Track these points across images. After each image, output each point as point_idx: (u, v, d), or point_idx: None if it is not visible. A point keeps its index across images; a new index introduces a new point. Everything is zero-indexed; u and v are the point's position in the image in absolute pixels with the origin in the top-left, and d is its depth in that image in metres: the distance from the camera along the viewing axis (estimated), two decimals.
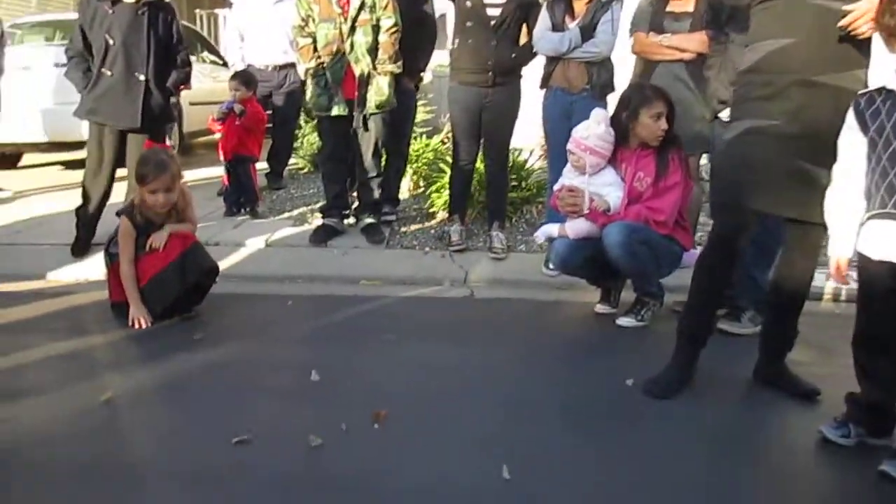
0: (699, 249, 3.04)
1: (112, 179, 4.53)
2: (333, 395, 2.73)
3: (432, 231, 4.99)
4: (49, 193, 6.33)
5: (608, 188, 3.47)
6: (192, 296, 3.59)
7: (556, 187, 3.68)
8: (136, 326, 3.40)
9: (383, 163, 4.91)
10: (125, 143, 4.45)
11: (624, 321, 3.56)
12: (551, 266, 3.84)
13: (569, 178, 3.59)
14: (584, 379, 2.94)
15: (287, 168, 6.63)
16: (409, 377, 2.92)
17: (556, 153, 4.26)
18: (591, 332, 3.55)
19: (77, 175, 7.03)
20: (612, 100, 4.13)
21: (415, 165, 5.83)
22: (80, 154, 6.38)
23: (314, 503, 2.06)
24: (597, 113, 3.56)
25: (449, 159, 5.32)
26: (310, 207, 5.55)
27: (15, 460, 2.27)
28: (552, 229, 3.59)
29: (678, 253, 3.52)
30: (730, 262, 2.80)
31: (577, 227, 3.49)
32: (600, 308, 3.76)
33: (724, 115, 3.29)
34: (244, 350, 3.17)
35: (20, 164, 7.69)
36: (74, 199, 5.98)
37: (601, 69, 4.15)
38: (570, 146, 3.55)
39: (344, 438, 2.40)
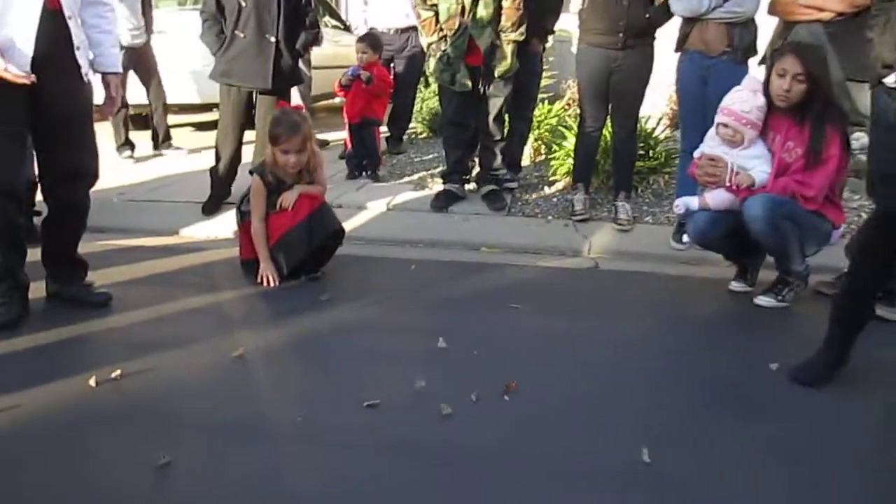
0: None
1: (242, 140, 4.60)
2: (461, 364, 2.65)
3: (555, 199, 4.83)
4: (181, 153, 6.54)
5: (754, 161, 3.22)
6: (319, 257, 3.60)
7: (696, 154, 3.44)
8: (266, 284, 3.44)
9: (506, 128, 4.78)
10: (254, 105, 4.50)
11: (763, 300, 3.31)
12: (686, 239, 3.62)
13: (710, 146, 3.36)
14: (723, 359, 2.75)
15: (406, 132, 6.60)
16: (538, 348, 2.81)
17: (690, 121, 4.01)
18: (727, 310, 3.33)
19: (207, 136, 7.27)
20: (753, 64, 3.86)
21: (537, 132, 5.66)
22: (210, 116, 6.56)
23: (445, 476, 1.98)
24: (751, 81, 3.30)
25: (572, 125, 5.15)
26: (429, 172, 5.50)
27: (152, 412, 2.31)
28: (692, 200, 3.36)
29: (827, 230, 3.24)
30: (894, 242, 2.53)
31: (719, 198, 3.25)
32: (735, 286, 3.52)
33: (891, 80, 2.97)
34: (370, 313, 3.15)
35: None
36: (206, 160, 6.20)
37: (744, 31, 3.84)
38: (724, 119, 3.28)
39: (474, 409, 2.33)
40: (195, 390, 2.46)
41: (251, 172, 3.63)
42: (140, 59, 6.12)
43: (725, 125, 3.27)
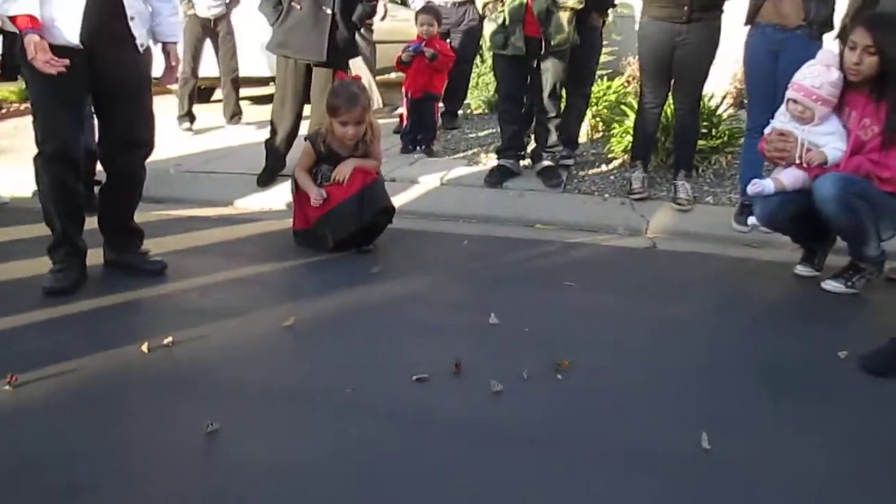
0: None
1: (299, 113, 4.57)
2: (513, 340, 2.58)
3: (612, 177, 4.69)
4: (238, 126, 6.57)
5: (827, 138, 3.04)
6: (369, 232, 3.54)
7: (766, 131, 3.28)
8: (317, 202, 3.43)
9: (563, 104, 4.64)
10: (311, 77, 4.46)
11: (831, 285, 3.14)
12: (750, 221, 3.47)
13: (781, 121, 3.19)
14: (787, 346, 2.61)
15: (461, 108, 6.50)
16: (592, 327, 2.71)
17: (757, 98, 3.83)
18: (792, 294, 3.18)
19: (263, 110, 7.29)
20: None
21: (595, 108, 5.50)
22: (267, 90, 6.56)
23: (494, 454, 1.91)
24: (825, 55, 3.11)
25: (632, 102, 4.99)
26: (484, 148, 5.40)
27: (202, 379, 2.30)
28: (768, 183, 3.18)
29: None
30: None
31: (792, 176, 3.08)
32: (801, 270, 3.35)
33: None
34: (422, 286, 3.09)
35: (212, 98, 8.04)
36: (261, 133, 6.22)
37: (820, 4, 3.63)
38: (794, 94, 3.11)
39: (525, 387, 2.25)
40: (245, 359, 2.44)
41: (306, 139, 3.61)
42: (216, 31, 6.13)
43: (795, 101, 3.10)
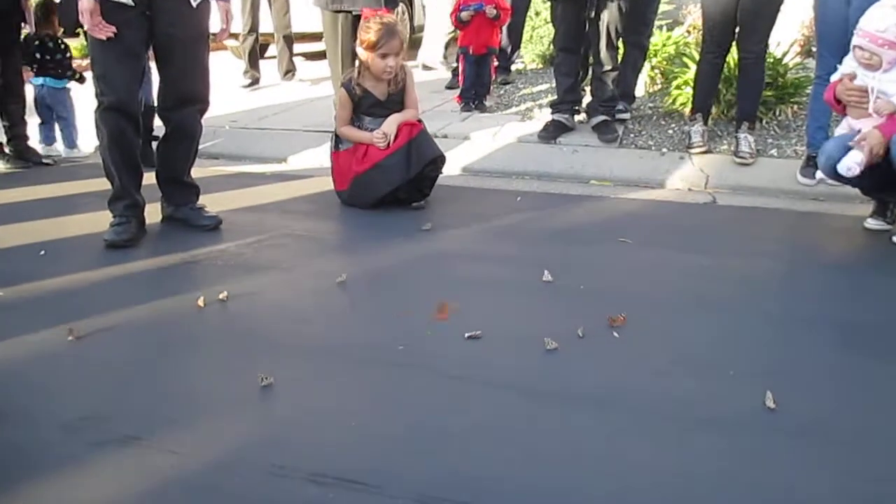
0: None
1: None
2: (567, 297, 2.50)
3: (670, 131, 4.51)
4: (292, 82, 6.55)
5: None
6: (420, 185, 3.47)
7: (833, 77, 3.09)
8: (383, 142, 3.38)
9: (620, 56, 4.46)
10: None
11: None
12: (818, 175, 3.29)
13: (850, 68, 2.99)
14: (857, 300, 2.47)
15: (514, 62, 6.35)
16: (649, 284, 2.61)
17: (829, 44, 3.60)
18: (863, 249, 3.01)
19: (317, 66, 7.26)
20: None
21: (653, 60, 5.29)
22: (320, 45, 6.51)
23: (549, 413, 1.85)
24: None
25: (693, 53, 4.77)
26: (538, 103, 5.25)
27: (257, 333, 2.28)
28: (856, 157, 2.95)
29: None
30: None
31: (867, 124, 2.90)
32: (872, 223, 3.17)
33: None
34: (474, 243, 3.02)
35: (266, 54, 8.03)
36: (319, 90, 6.19)
37: None
38: (860, 41, 2.92)
39: (580, 345, 2.17)
40: (298, 314, 2.42)
41: (341, 86, 3.55)
42: None
43: (861, 48, 2.92)
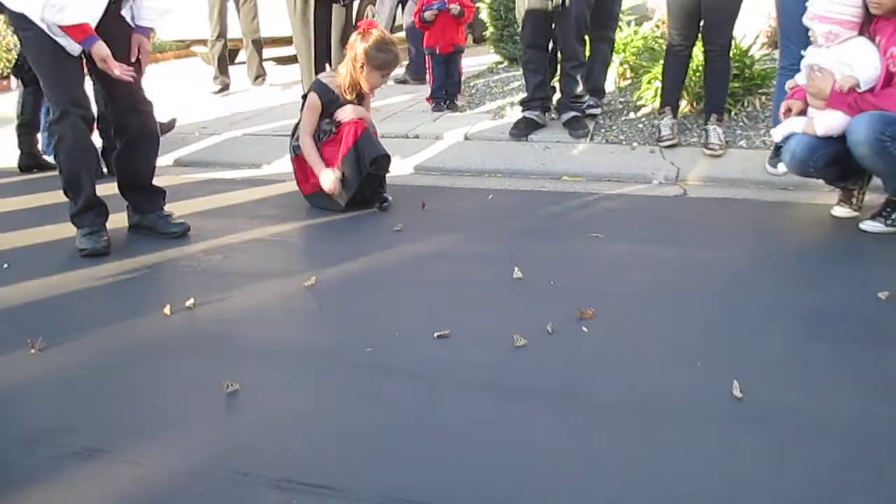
0: None
1: (325, 50, 4.50)
2: (537, 294, 2.49)
3: (640, 125, 4.52)
4: (263, 87, 6.50)
5: (857, 55, 2.83)
6: (374, 184, 3.48)
7: (800, 76, 3.11)
8: (335, 191, 3.33)
9: (588, 50, 4.47)
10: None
11: (870, 226, 2.99)
12: (781, 167, 3.31)
13: (810, 56, 3.02)
14: (825, 289, 2.48)
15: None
16: (620, 278, 2.61)
17: (792, 34, 3.60)
18: (830, 237, 3.02)
19: (288, 70, 7.22)
20: None
21: (622, 55, 5.30)
22: (291, 50, 6.47)
23: (515, 409, 1.84)
24: None
25: (661, 46, 4.79)
26: (509, 101, 5.25)
27: (224, 340, 2.26)
28: (796, 122, 3.03)
29: None
30: None
31: (828, 123, 2.90)
32: (839, 211, 3.19)
33: None
34: (444, 243, 3.01)
35: (236, 60, 7.98)
36: (287, 94, 6.16)
37: None
38: (809, 22, 2.97)
39: (549, 340, 2.17)
40: (266, 319, 2.39)
41: (306, 94, 3.52)
42: None
43: (806, 25, 2.97)
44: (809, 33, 2.98)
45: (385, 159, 3.45)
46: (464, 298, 2.48)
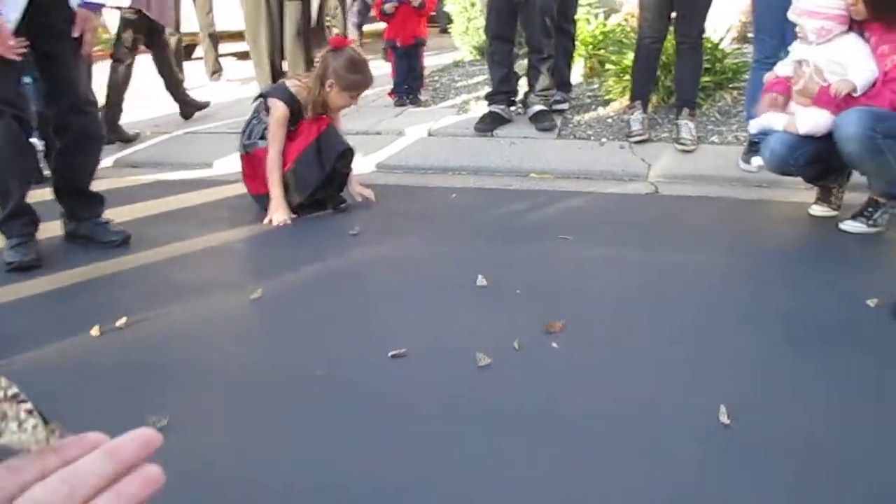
0: None
1: (280, 47, 4.25)
2: (503, 304, 2.26)
3: (609, 120, 4.32)
4: (219, 83, 6.20)
5: (852, 56, 2.65)
6: (334, 182, 3.22)
7: (780, 68, 2.92)
8: (273, 224, 3.07)
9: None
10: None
11: (851, 226, 2.82)
12: (755, 161, 3.13)
13: (798, 51, 2.82)
14: (810, 296, 2.29)
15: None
16: (590, 285, 2.39)
17: (766, 26, 3.43)
18: (809, 237, 2.85)
19: (247, 66, 6.90)
20: None
21: (589, 48, 5.10)
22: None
23: (480, 440, 1.61)
24: None
25: (631, 39, 4.59)
26: (474, 95, 5.02)
27: (156, 364, 1.99)
28: (774, 120, 2.84)
29: None
30: None
31: (812, 122, 2.71)
32: (817, 210, 3.02)
33: None
34: (404, 248, 2.77)
35: (193, 55, 7.64)
36: (245, 89, 5.86)
37: None
38: (794, 17, 2.77)
39: (516, 358, 1.94)
40: (205, 340, 2.13)
41: (265, 96, 3.22)
42: None
43: (792, 21, 2.77)
44: (797, 29, 2.78)
45: (350, 153, 3.22)
46: (423, 310, 2.25)
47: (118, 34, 4.46)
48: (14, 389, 0.39)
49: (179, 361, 2.00)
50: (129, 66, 4.48)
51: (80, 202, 2.94)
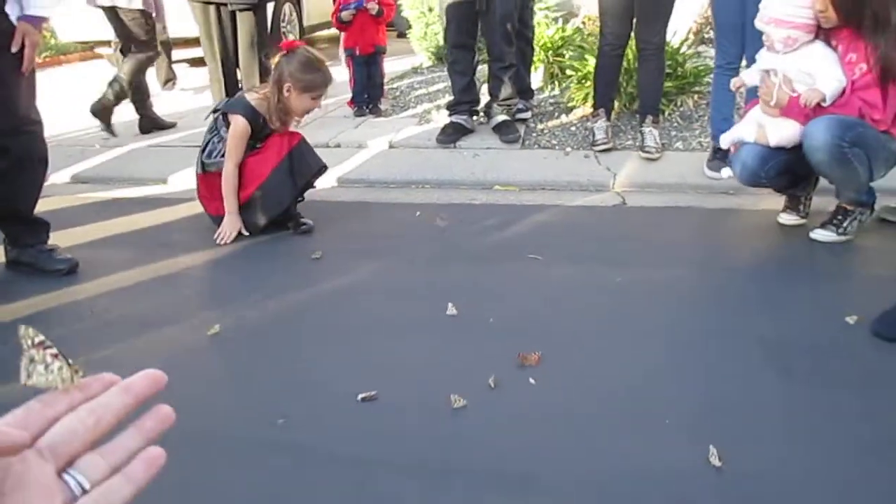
0: None
1: (234, 58, 4.10)
2: (475, 335, 2.15)
3: (573, 128, 4.23)
4: (173, 92, 5.98)
5: (821, 64, 2.59)
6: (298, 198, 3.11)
7: (747, 76, 2.87)
8: (223, 242, 2.94)
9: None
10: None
11: (821, 235, 2.77)
12: (724, 172, 3.07)
13: (765, 60, 2.76)
14: (788, 314, 2.21)
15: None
16: (564, 308, 2.29)
17: (726, 33, 3.38)
18: (782, 249, 2.79)
19: (202, 73, 6.68)
20: None
21: (549, 53, 5.01)
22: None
23: (457, 497, 1.51)
24: None
25: (591, 45, 4.51)
26: (435, 104, 4.90)
27: None
28: (744, 132, 2.77)
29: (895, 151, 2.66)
30: None
31: (781, 134, 2.64)
32: (786, 218, 2.97)
33: None
34: (370, 274, 2.63)
35: None
36: (200, 98, 5.64)
37: None
38: (761, 25, 2.70)
39: (492, 398, 1.83)
40: (168, 377, 1.97)
41: (225, 111, 3.05)
42: None
43: (759, 29, 2.70)
44: (764, 37, 2.71)
45: (323, 170, 3.13)
46: (393, 346, 2.12)
47: (126, 32, 4.45)
48: (41, 337, 0.46)
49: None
50: (150, 58, 4.63)
51: (22, 228, 2.75)
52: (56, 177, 4.00)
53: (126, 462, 0.44)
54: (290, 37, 6.35)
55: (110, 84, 4.53)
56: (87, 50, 8.62)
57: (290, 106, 2.97)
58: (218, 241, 2.95)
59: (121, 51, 5.82)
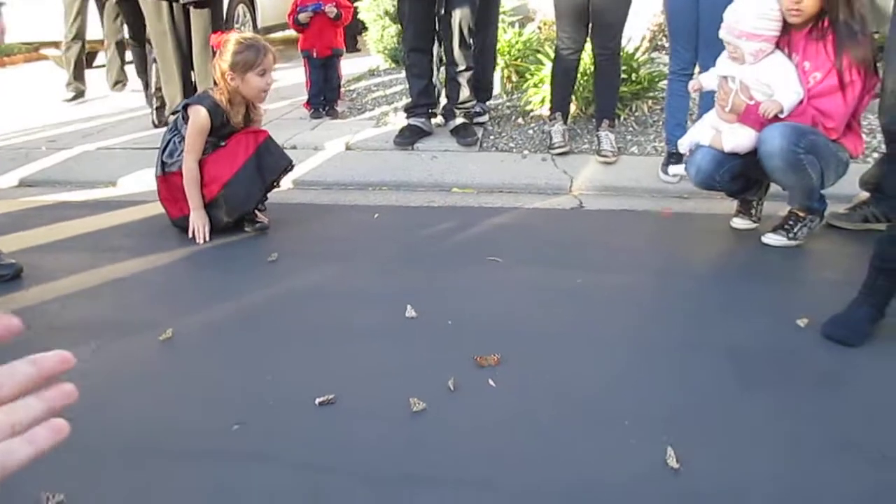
0: None
1: (189, 57, 4.00)
2: (435, 337, 2.12)
3: (530, 132, 4.24)
4: (122, 94, 5.83)
5: (778, 73, 2.62)
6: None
7: (705, 77, 2.90)
8: (199, 238, 2.89)
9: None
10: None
11: (772, 239, 2.81)
12: (672, 170, 3.10)
13: (721, 64, 2.79)
14: (741, 318, 2.23)
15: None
16: (524, 311, 2.28)
17: (681, 38, 3.42)
18: (734, 253, 2.82)
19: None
20: None
21: (506, 58, 5.02)
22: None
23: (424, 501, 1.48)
24: None
25: (547, 49, 4.53)
26: (392, 106, 4.87)
27: (66, 418, 1.76)
28: (700, 136, 2.80)
29: (846, 160, 2.70)
30: None
31: (736, 141, 2.67)
32: (738, 223, 3.01)
33: None
34: (327, 276, 2.59)
35: (94, 63, 7.19)
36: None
37: None
38: (721, 34, 2.73)
39: (452, 401, 1.80)
40: (102, 395, 1.86)
41: (186, 106, 2.97)
42: None
43: (726, 41, 2.72)
44: (730, 48, 2.70)
45: (291, 168, 3.08)
46: (351, 349, 2.08)
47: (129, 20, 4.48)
48: None
49: (78, 422, 1.76)
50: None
51: None
52: (1, 180, 3.86)
53: (27, 426, 0.44)
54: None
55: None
56: (33, 51, 8.37)
57: (243, 93, 2.90)
58: (197, 240, 2.89)
59: (123, 42, 5.71)
